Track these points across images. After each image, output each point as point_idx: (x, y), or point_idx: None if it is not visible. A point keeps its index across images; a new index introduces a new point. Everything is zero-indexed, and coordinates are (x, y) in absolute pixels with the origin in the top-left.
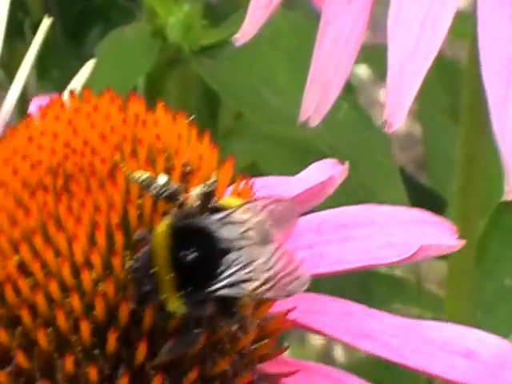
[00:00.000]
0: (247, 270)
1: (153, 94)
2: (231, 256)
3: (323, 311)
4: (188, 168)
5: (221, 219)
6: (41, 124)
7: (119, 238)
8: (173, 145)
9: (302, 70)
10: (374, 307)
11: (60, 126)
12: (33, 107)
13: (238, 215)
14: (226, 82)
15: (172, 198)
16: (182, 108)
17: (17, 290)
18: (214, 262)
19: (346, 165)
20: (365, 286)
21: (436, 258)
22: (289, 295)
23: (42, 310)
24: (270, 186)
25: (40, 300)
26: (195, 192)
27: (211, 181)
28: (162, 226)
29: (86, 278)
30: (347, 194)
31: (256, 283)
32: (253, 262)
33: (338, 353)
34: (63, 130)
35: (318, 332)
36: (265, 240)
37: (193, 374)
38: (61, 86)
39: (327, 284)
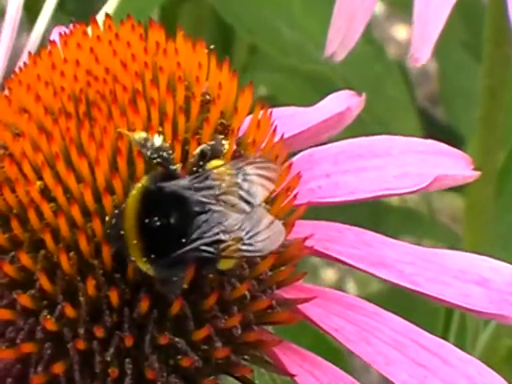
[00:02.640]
0: (214, 231)
1: (167, 27)
2: (202, 217)
3: (339, 239)
4: (208, 96)
5: (197, 182)
6: (63, 52)
7: (140, 164)
8: (193, 73)
9: (318, 3)
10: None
11: (82, 53)
12: (54, 35)
13: (216, 178)
14: (239, 14)
15: (163, 161)
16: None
17: (40, 215)
18: (184, 226)
19: (363, 96)
20: (376, 218)
21: (449, 192)
22: (263, 253)
23: (64, 234)
24: (288, 116)
25: (62, 224)
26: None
27: (213, 142)
28: (136, 189)
29: (108, 203)
30: (360, 128)
31: (225, 244)
32: (222, 222)
33: (351, 287)
34: (85, 58)
35: (334, 259)
36: (243, 208)
37: (212, 299)
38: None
39: (339, 216)
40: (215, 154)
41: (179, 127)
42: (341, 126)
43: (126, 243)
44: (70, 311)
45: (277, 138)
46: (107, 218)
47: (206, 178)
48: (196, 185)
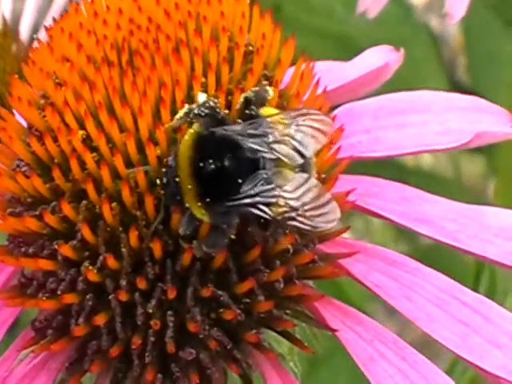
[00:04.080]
0: (274, 194)
1: None
2: (260, 174)
3: (380, 194)
4: (251, 47)
5: (251, 128)
6: (106, 0)
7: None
8: (236, 23)
9: None
10: None
11: (125, 2)
12: None
13: (269, 125)
14: None
15: (211, 110)
16: None
17: (82, 165)
18: (238, 173)
19: (402, 52)
20: (400, 180)
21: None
22: (313, 230)
23: (106, 185)
24: (325, 70)
25: (105, 175)
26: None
27: (256, 88)
28: (188, 135)
29: (151, 153)
30: (388, 89)
31: (280, 209)
32: (281, 186)
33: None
34: (128, 7)
35: (375, 214)
36: (295, 159)
37: (254, 252)
38: None
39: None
40: (260, 100)
41: (223, 78)
42: (379, 82)
43: (181, 189)
44: (112, 262)
45: (319, 91)
46: (163, 168)
47: (260, 125)
48: (249, 131)
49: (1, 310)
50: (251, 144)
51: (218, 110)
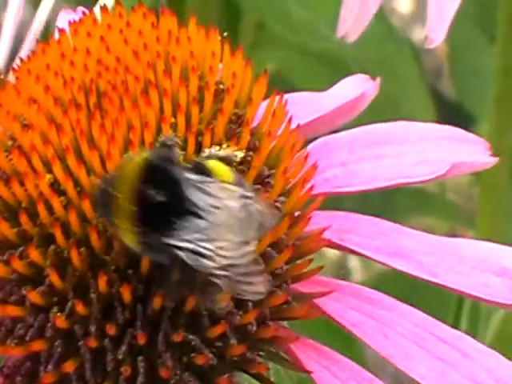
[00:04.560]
0: (207, 246)
1: (173, 5)
2: (200, 223)
3: (355, 230)
4: (221, 86)
5: (200, 182)
6: (73, 40)
7: None
8: (206, 62)
9: None
10: (397, 218)
11: (92, 42)
12: (61, 21)
13: (216, 189)
14: None
15: (167, 148)
16: (202, 20)
17: (49, 209)
18: (176, 213)
19: (378, 80)
20: (387, 198)
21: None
22: (239, 294)
23: (75, 229)
24: (302, 102)
25: (73, 219)
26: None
27: (226, 154)
28: (140, 157)
29: None
30: (371, 107)
31: (213, 264)
32: (215, 240)
33: (355, 264)
34: (96, 47)
35: (350, 251)
36: (234, 226)
37: (226, 295)
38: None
39: (349, 197)
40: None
41: (193, 118)
42: (355, 112)
43: (116, 210)
44: (81, 308)
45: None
46: (100, 179)
47: (209, 184)
48: (198, 184)
49: None
50: (193, 197)
51: (173, 147)
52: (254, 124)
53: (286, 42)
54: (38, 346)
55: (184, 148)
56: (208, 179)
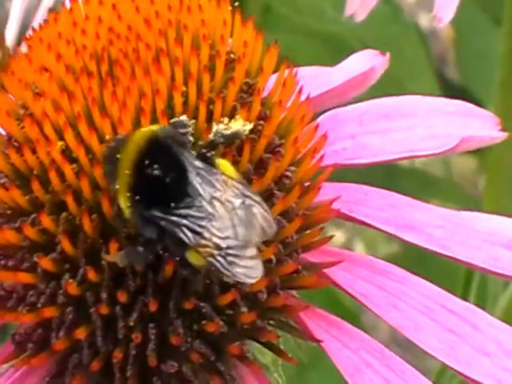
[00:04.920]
0: (201, 223)
1: None
2: (194, 201)
3: (365, 201)
4: (232, 55)
5: (204, 170)
6: (84, 9)
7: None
8: (217, 31)
9: None
10: None
11: (104, 10)
12: None
13: (219, 182)
14: None
15: (179, 125)
16: None
17: (61, 176)
18: (174, 193)
19: (387, 56)
20: (391, 180)
21: (466, 154)
22: (229, 278)
23: (86, 196)
24: (310, 76)
25: (85, 186)
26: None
27: (236, 130)
28: (149, 128)
29: None
30: (377, 89)
31: (204, 241)
32: (211, 220)
33: (360, 249)
34: (107, 15)
35: (360, 222)
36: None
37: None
38: None
39: (353, 178)
40: (231, 139)
41: (204, 87)
42: (365, 86)
43: (118, 170)
44: (92, 275)
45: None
46: (108, 141)
47: (212, 175)
48: (201, 171)
49: None
50: (197, 184)
51: (186, 130)
52: (265, 94)
53: (293, 24)
54: (49, 312)
55: (195, 116)
56: (213, 170)
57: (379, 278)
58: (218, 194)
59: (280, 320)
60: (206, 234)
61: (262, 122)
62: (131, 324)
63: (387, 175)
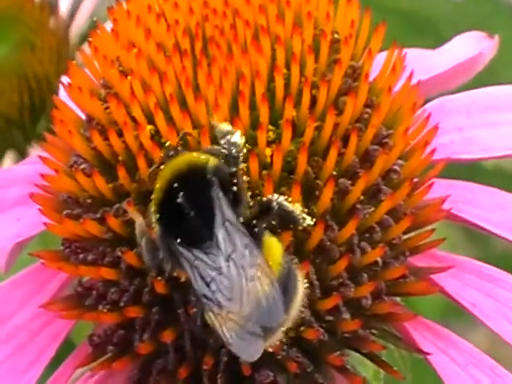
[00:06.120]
0: (213, 274)
1: None
2: (214, 251)
3: (474, 201)
4: (336, 35)
5: (234, 225)
6: None
7: (264, 111)
8: (322, 8)
9: None
10: None
11: None
12: None
13: (252, 262)
14: None
15: (231, 160)
16: None
17: (150, 163)
18: (195, 231)
19: (496, 39)
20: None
21: None
22: (224, 342)
23: None
24: (413, 59)
25: None
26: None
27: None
28: (203, 157)
29: None
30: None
31: (208, 293)
32: (223, 279)
33: None
34: None
35: (469, 224)
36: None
37: (340, 264)
38: None
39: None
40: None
41: (307, 69)
42: (472, 73)
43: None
44: (181, 273)
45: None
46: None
47: (250, 249)
48: (230, 226)
49: (53, 322)
50: (220, 236)
51: (235, 163)
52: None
53: (386, 7)
54: (133, 312)
55: (299, 102)
56: (247, 238)
57: (489, 286)
58: (236, 256)
59: (384, 329)
60: (213, 287)
61: (368, 109)
62: None
63: (470, 176)
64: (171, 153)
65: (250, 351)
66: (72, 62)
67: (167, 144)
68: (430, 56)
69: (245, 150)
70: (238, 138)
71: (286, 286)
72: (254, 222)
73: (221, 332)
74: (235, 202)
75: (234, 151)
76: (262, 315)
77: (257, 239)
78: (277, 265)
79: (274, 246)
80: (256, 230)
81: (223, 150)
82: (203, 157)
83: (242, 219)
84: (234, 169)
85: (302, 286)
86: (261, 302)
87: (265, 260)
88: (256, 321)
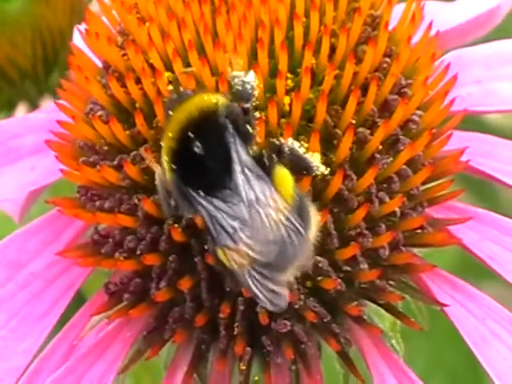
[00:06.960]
0: (234, 224)
1: None
2: (235, 200)
3: (493, 154)
4: (375, 13)
5: (252, 170)
6: None
7: (283, 59)
8: None
9: None
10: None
11: None
12: None
13: (267, 193)
14: None
15: (244, 96)
16: None
17: None
18: (213, 180)
19: None
20: None
21: None
22: (250, 292)
23: None
24: (430, 11)
25: None
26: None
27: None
28: (212, 97)
29: None
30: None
31: (231, 244)
32: (246, 228)
33: None
34: None
35: (487, 176)
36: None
37: (359, 214)
38: None
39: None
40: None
41: (327, 17)
42: (489, 26)
43: (165, 128)
44: (199, 220)
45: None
46: (171, 92)
47: (260, 180)
48: (248, 171)
49: (68, 271)
50: (240, 181)
51: (249, 99)
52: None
53: None
54: (150, 260)
55: (318, 50)
56: (264, 177)
57: (507, 239)
58: (259, 204)
59: (401, 280)
60: (236, 237)
61: (387, 59)
62: None
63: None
64: (175, 96)
65: (278, 302)
66: (89, 9)
67: (169, 88)
68: (448, 9)
69: (258, 90)
70: (252, 76)
71: (300, 216)
72: (265, 157)
73: (253, 288)
74: (247, 138)
75: (248, 87)
76: (286, 258)
77: (268, 174)
78: (289, 196)
79: (286, 177)
80: (267, 163)
81: (237, 87)
82: (212, 97)
83: (252, 152)
84: (247, 105)
85: (314, 215)
86: (286, 246)
87: (286, 206)
88: (281, 264)
